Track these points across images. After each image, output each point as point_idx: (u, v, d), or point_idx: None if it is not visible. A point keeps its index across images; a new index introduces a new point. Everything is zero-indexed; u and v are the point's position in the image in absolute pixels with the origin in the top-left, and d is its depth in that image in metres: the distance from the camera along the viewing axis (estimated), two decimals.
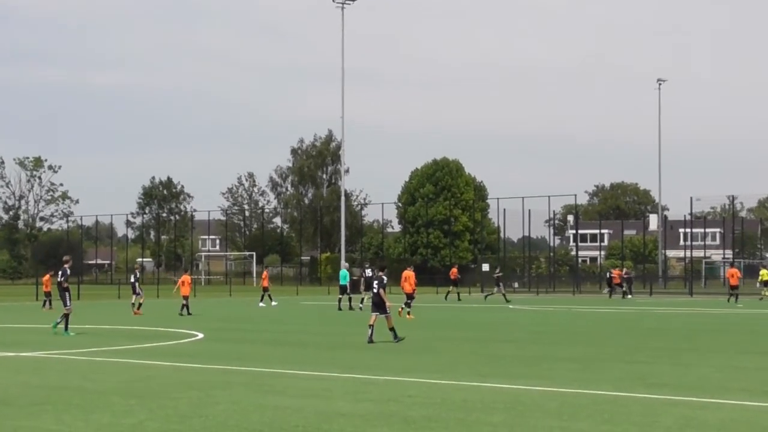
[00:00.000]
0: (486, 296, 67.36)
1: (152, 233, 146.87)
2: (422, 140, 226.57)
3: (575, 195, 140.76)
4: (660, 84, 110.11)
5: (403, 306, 42.58)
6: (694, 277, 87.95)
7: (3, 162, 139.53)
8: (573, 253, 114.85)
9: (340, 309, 50.92)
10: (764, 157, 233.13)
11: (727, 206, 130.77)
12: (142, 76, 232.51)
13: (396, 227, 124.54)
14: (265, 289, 55.76)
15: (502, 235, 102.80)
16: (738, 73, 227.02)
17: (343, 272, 53.28)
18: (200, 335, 32.18)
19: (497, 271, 69.11)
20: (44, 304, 52.21)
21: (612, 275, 76.26)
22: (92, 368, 22.05)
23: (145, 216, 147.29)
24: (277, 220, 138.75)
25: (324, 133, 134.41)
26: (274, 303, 55.34)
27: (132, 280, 48.74)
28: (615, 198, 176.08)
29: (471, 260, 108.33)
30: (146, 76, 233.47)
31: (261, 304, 54.83)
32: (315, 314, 47.60)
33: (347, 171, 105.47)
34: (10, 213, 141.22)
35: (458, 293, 67.64)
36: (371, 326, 28.92)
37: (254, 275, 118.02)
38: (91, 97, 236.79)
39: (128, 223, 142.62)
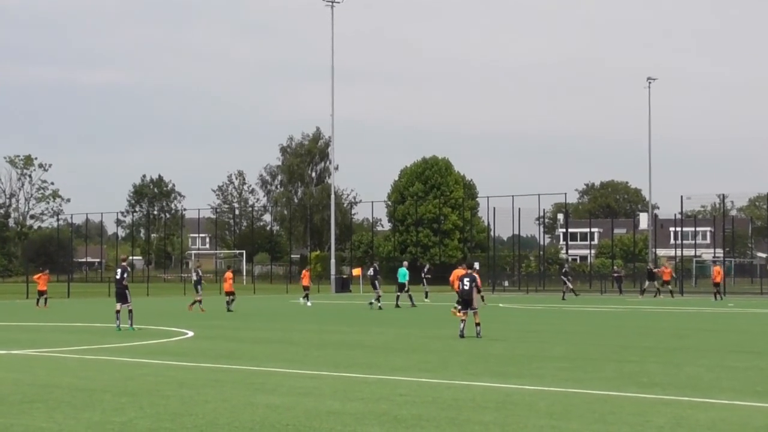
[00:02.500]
0: (564, 296, 66.90)
1: (142, 231, 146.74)
2: (411, 138, 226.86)
3: (565, 193, 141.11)
4: (650, 82, 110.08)
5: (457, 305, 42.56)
6: (684, 276, 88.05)
7: None
8: (563, 251, 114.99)
9: (398, 306, 51.27)
10: (755, 155, 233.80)
11: (717, 205, 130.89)
12: (133, 73, 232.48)
13: (386, 225, 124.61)
14: (306, 288, 55.29)
15: (491, 233, 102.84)
16: (729, 72, 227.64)
17: (402, 270, 53.13)
18: (190, 333, 32.17)
19: (565, 268, 70.66)
20: (37, 302, 52.07)
21: (656, 271, 71.16)
22: (83, 366, 22.04)
23: (135, 214, 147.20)
24: (267, 218, 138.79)
25: (312, 131, 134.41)
26: (309, 303, 54.36)
27: (195, 278, 49.52)
28: (605, 197, 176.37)
29: (461, 259, 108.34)
30: (137, 74, 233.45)
31: (309, 304, 54.03)
32: (305, 312, 47.57)
33: (336, 168, 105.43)
34: (1, 211, 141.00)
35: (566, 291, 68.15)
36: (463, 321, 29.85)
37: (244, 273, 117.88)
38: (82, 95, 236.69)
39: (118, 222, 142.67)
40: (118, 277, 34.36)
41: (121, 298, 34.04)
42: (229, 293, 48.60)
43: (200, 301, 47.87)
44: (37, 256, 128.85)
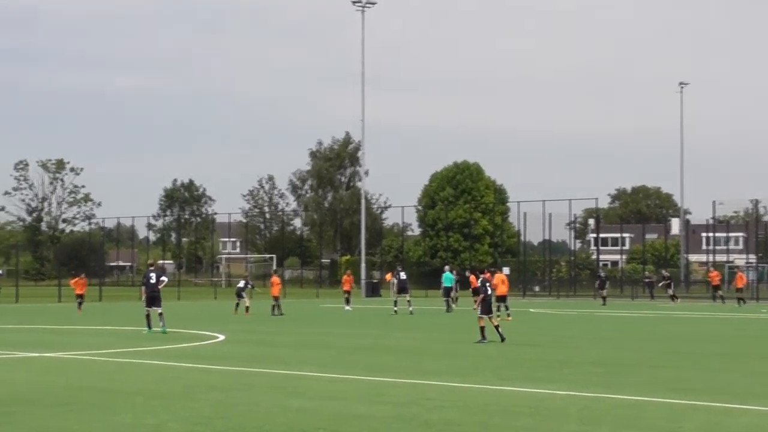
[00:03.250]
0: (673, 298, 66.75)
1: (173, 235, 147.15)
2: (442, 143, 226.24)
3: (596, 198, 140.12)
4: (682, 87, 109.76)
5: (503, 308, 42.50)
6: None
7: (26, 164, 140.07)
8: (594, 257, 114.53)
9: (449, 311, 51.06)
10: None
11: (750, 210, 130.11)
12: (164, 78, 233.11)
13: (416, 230, 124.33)
14: (347, 293, 55.40)
15: (522, 238, 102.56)
16: (761, 76, 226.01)
17: (448, 275, 53.01)
18: (221, 337, 32.24)
19: (664, 276, 70.37)
20: (79, 306, 51.70)
21: (709, 275, 70.71)
22: (115, 369, 22.13)
23: (166, 218, 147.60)
24: (297, 223, 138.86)
25: (342, 136, 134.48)
26: (347, 308, 54.27)
27: (241, 285, 50.77)
28: (636, 202, 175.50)
29: (491, 264, 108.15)
30: (168, 79, 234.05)
31: (347, 308, 53.83)
32: (335, 317, 47.60)
33: (367, 173, 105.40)
34: (33, 215, 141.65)
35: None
36: (483, 327, 29.49)
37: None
38: (114, 99, 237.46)
39: (149, 226, 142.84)
40: (153, 281, 34.53)
41: (154, 302, 34.22)
42: (276, 298, 49.04)
43: (238, 306, 49.39)
44: (69, 260, 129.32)
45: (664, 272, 74.40)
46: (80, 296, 52.22)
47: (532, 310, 56.37)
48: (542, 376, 20.89)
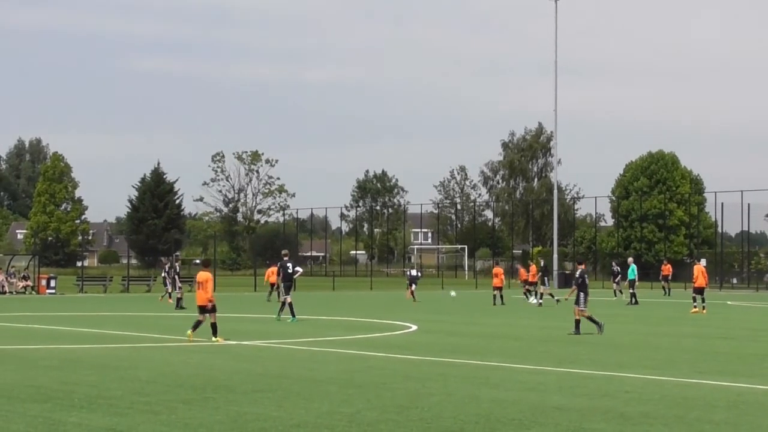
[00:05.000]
0: None
1: (365, 226, 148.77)
2: (636, 133, 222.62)
3: None
4: None
5: (699, 300, 41.82)
6: None
7: (223, 156, 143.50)
8: None
9: (636, 302, 50.34)
10: None
11: None
12: (355, 71, 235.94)
13: (609, 221, 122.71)
14: (529, 283, 54.35)
15: (719, 229, 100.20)
16: None
17: (632, 267, 52.48)
18: (414, 327, 32.41)
19: None
20: (269, 295, 52.54)
21: None
22: (311, 358, 22.48)
23: (358, 209, 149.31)
24: (489, 213, 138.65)
25: (535, 126, 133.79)
26: (532, 300, 54.06)
27: (414, 273, 51.14)
28: None
29: (686, 255, 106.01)
30: (359, 72, 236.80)
31: (532, 301, 52.01)
32: (526, 308, 47.35)
33: (559, 163, 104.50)
34: (230, 206, 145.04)
35: (668, 288, 65.61)
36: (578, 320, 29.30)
37: (466, 268, 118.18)
38: (307, 91, 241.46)
39: (342, 216, 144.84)
40: (290, 270, 35.30)
41: (289, 290, 34.98)
42: (498, 288, 49.49)
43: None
44: (263, 250, 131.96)
45: None
46: (274, 284, 53.08)
47: (729, 302, 55.04)
48: (739, 370, 20.39)
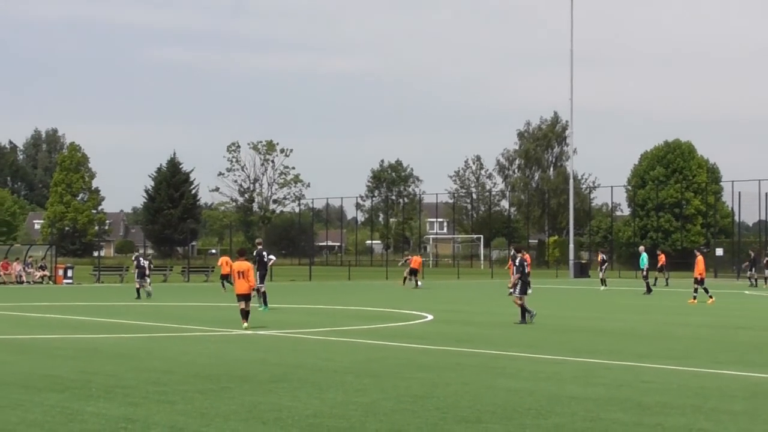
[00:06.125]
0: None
1: (381, 216, 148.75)
2: (652, 122, 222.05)
3: None
4: None
5: (704, 292, 41.77)
6: None
7: (239, 146, 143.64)
8: None
9: (649, 291, 49.88)
10: None
11: None
12: (372, 60, 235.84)
13: (625, 210, 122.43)
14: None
15: (736, 218, 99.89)
16: None
17: (644, 255, 52.19)
18: (429, 317, 32.38)
19: None
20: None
21: None
22: (326, 347, 22.48)
23: (374, 199, 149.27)
24: (504, 203, 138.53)
25: (550, 116, 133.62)
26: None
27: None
28: None
29: (703, 244, 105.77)
30: (376, 61, 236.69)
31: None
32: (544, 297, 47.26)
33: (575, 152, 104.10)
34: (245, 196, 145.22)
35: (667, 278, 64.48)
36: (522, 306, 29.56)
37: (481, 258, 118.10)
38: (322, 81, 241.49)
39: (358, 206, 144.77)
40: (265, 259, 36.02)
41: (263, 278, 35.52)
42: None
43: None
44: (279, 240, 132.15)
45: None
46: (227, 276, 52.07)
47: (746, 292, 54.87)
48: (757, 360, 20.32)
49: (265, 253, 36.11)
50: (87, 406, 13.98)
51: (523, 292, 29.58)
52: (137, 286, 44.09)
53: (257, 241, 36.77)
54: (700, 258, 43.46)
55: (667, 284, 59.91)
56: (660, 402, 14.53)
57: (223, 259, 53.58)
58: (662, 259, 61.49)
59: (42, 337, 25.42)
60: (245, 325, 26.40)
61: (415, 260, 58.81)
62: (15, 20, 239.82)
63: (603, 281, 56.98)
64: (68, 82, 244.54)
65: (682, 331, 27.37)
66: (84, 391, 15.27)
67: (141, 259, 46.10)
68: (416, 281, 56.81)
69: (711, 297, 41.68)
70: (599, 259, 59.84)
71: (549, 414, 13.51)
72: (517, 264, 30.05)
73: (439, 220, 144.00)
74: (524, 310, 29.40)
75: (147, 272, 44.50)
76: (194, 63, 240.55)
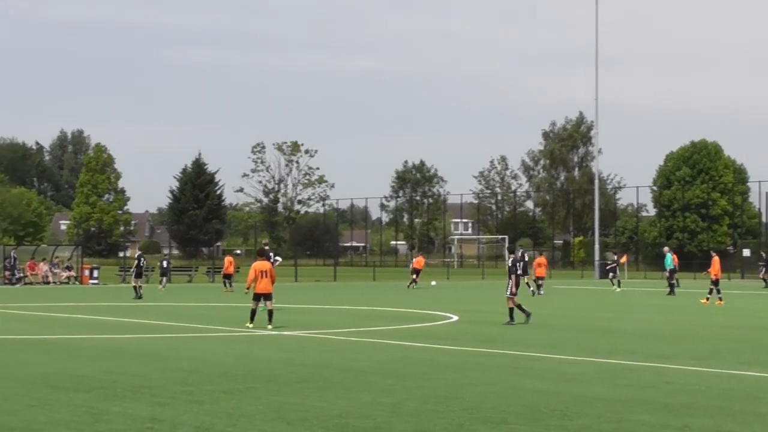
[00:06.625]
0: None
1: (405, 216, 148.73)
2: (678, 122, 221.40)
3: None
4: None
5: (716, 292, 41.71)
6: None
7: (263, 147, 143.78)
8: None
9: (672, 293, 49.63)
10: None
11: None
12: (397, 61, 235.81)
13: (651, 211, 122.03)
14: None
15: (763, 219, 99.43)
16: None
17: (668, 256, 51.98)
18: (455, 317, 32.37)
19: None
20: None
21: None
22: (351, 348, 22.51)
23: (398, 199, 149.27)
24: (529, 204, 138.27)
25: (575, 116, 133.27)
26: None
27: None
28: None
29: (730, 245, 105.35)
30: (401, 62, 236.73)
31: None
32: (568, 298, 47.22)
33: (600, 152, 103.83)
34: (270, 196, 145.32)
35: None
36: (512, 309, 29.50)
37: (506, 258, 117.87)
38: (346, 81, 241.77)
39: (382, 207, 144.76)
40: (271, 260, 34.97)
41: None
42: (540, 278, 50.22)
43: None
44: (304, 240, 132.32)
45: None
46: (230, 276, 52.61)
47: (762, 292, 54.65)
48: None
49: (271, 255, 35.96)
50: (113, 406, 14.05)
51: (511, 290, 29.54)
52: (137, 285, 44.58)
53: (263, 242, 36.69)
54: (716, 258, 43.48)
55: (678, 285, 59.96)
56: (686, 403, 14.50)
57: (228, 259, 54.20)
58: (674, 260, 61.32)
59: (68, 337, 25.55)
60: (270, 327, 26.60)
61: (418, 261, 59.76)
62: (41, 21, 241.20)
63: (618, 283, 56.88)
64: (94, 84, 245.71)
65: (705, 332, 27.30)
66: (110, 391, 15.35)
67: (142, 259, 46.90)
68: (414, 281, 57.45)
69: (707, 299, 41.75)
70: (612, 259, 59.56)
71: (574, 415, 13.50)
72: (510, 264, 30.18)
73: (464, 220, 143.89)
74: (513, 310, 29.45)
75: (154, 273, 45.33)
76: (220, 63, 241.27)
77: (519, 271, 29.99)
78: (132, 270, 47.18)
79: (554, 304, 42.29)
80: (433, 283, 59.46)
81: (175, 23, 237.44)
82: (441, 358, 20.37)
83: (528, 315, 29.24)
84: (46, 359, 19.84)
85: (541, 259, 52.44)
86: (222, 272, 54.76)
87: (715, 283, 42.18)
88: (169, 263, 58.72)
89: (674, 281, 50.71)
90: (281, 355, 20.72)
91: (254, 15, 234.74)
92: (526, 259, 52.53)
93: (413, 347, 22.53)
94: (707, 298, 41.91)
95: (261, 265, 27.46)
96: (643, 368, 18.73)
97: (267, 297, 27.07)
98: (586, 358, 20.38)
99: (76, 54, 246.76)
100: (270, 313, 27.01)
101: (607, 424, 12.96)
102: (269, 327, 26.50)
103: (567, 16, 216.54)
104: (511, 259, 30.39)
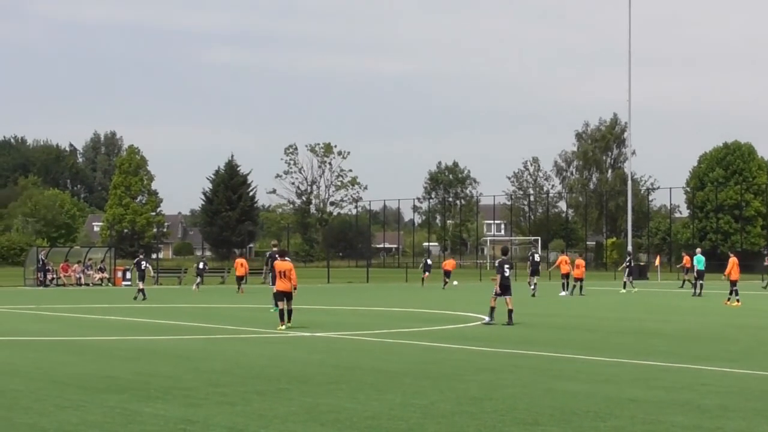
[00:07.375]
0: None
1: (438, 217, 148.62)
2: (712, 123, 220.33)
3: None
4: None
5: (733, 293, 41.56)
6: None
7: (296, 148, 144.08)
8: None
9: (699, 294, 49.23)
10: None
11: None
12: (428, 62, 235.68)
13: (684, 212, 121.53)
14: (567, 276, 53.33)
15: None
16: None
17: (699, 257, 51.51)
18: (487, 318, 32.22)
19: None
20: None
21: None
22: (384, 349, 22.48)
23: (431, 201, 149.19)
24: (562, 205, 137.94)
25: (609, 117, 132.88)
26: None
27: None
28: None
29: (764, 246, 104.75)
30: (432, 63, 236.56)
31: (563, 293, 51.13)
32: (601, 300, 47.02)
33: (633, 153, 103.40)
34: (303, 198, 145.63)
35: (684, 280, 63.08)
36: (493, 308, 29.50)
37: (539, 260, 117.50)
38: (379, 83, 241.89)
39: (415, 208, 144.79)
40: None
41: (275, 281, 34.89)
42: (567, 275, 50.76)
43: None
44: (336, 242, 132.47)
45: None
46: (242, 278, 52.38)
47: None
48: None
49: (277, 256, 35.71)
50: (146, 407, 14.07)
51: (499, 294, 29.51)
52: (141, 286, 44.79)
53: (272, 243, 36.52)
54: (733, 259, 43.26)
55: (682, 286, 59.76)
56: (720, 405, 14.39)
57: (238, 261, 54.10)
58: (687, 261, 61.02)
59: (101, 338, 25.64)
60: (286, 326, 26.79)
61: (448, 262, 64.52)
62: (75, 25, 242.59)
63: (625, 284, 56.84)
64: (127, 86, 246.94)
65: (739, 334, 27.11)
66: (143, 393, 15.37)
67: (143, 263, 46.83)
68: (423, 279, 62.94)
69: (699, 295, 42.10)
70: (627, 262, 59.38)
71: (608, 417, 13.42)
72: (497, 266, 30.40)
73: (497, 222, 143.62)
74: (493, 310, 29.55)
75: (151, 275, 45.59)
76: (253, 65, 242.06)
77: (506, 273, 29.85)
78: (131, 269, 47.60)
79: (588, 305, 42.12)
80: (455, 283, 60.34)
81: (207, 25, 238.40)
82: (473, 359, 20.32)
83: (490, 320, 29.31)
84: (79, 360, 19.91)
85: (580, 261, 52.36)
86: (234, 275, 54.11)
87: (733, 284, 42.05)
88: (205, 264, 59.39)
89: (697, 282, 50.11)
90: (313, 357, 20.70)
91: (287, 16, 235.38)
92: (537, 260, 53.27)
93: (446, 348, 22.49)
94: (728, 299, 41.73)
95: (281, 265, 27.54)
96: (678, 369, 18.62)
97: (287, 297, 27.17)
98: (619, 359, 20.28)
99: (110, 56, 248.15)
100: (289, 312, 27.14)
101: (640, 425, 12.86)
102: (283, 327, 26.66)
103: (600, 16, 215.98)
104: (498, 261, 30.56)
